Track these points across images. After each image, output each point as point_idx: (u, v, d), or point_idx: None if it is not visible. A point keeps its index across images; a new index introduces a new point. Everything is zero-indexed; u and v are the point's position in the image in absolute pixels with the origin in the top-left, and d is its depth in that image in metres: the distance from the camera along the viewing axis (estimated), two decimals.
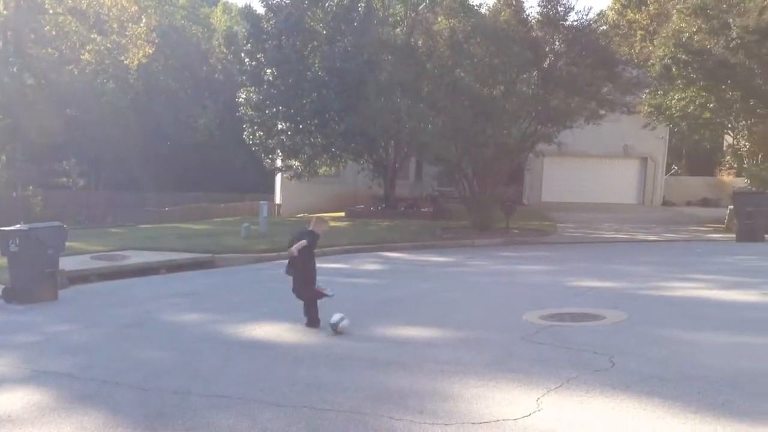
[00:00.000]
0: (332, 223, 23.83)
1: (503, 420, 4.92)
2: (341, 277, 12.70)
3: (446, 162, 21.31)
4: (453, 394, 5.60)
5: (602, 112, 20.89)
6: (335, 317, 7.98)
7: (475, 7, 31.64)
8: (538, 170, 31.48)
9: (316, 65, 25.38)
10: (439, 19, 21.92)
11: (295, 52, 25.40)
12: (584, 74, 19.76)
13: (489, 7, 27.09)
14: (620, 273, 12.68)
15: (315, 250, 8.61)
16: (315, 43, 26.04)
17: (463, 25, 21.00)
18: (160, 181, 40.98)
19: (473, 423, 4.91)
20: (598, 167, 31.56)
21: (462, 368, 6.31)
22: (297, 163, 26.55)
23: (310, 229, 8.55)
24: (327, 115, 24.99)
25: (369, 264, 15.69)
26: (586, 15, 20.67)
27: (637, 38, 39.23)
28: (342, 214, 26.82)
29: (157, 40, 35.78)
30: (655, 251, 16.85)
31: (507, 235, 19.94)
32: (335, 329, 7.93)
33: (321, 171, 27.70)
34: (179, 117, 44.44)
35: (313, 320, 8.38)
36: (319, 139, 25.34)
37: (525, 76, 21.08)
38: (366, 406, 5.40)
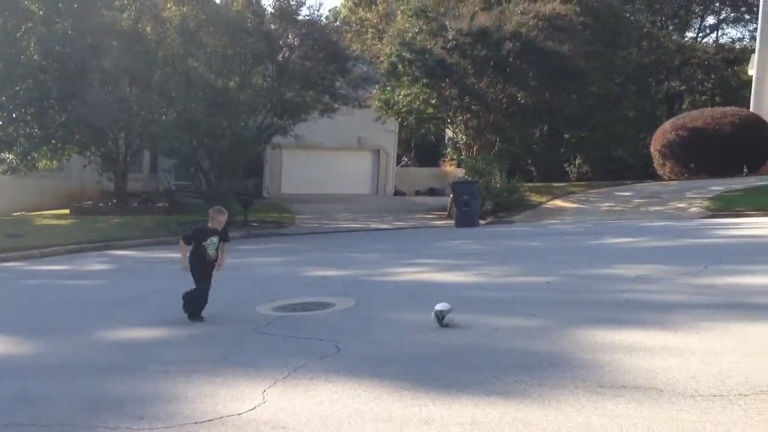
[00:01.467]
0: (53, 222, 21.91)
1: (227, 416, 4.80)
2: (62, 280, 11.68)
3: (181, 155, 20.61)
4: (177, 395, 5.36)
5: (336, 105, 21.59)
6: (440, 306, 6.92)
7: None
8: (277, 163, 31.68)
9: (32, 48, 23.00)
10: (169, 6, 21.06)
11: (6, 33, 22.81)
12: (317, 68, 20.25)
13: None
14: (353, 261, 13.18)
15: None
16: (30, 24, 23.59)
17: (196, 12, 20.41)
18: None
19: (196, 423, 4.73)
20: (335, 159, 32.60)
21: (189, 367, 6.08)
22: (11, 157, 23.90)
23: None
24: (45, 104, 22.77)
25: (95, 264, 14.60)
26: (317, 10, 21.20)
27: (369, 36, 41.19)
28: (66, 211, 24.72)
29: None
30: (386, 239, 17.80)
31: (245, 229, 19.79)
32: (441, 321, 6.86)
33: (41, 165, 25.19)
34: None
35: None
36: (37, 130, 23.03)
37: (260, 68, 21.06)
38: (79, 417, 4.97)
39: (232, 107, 19.18)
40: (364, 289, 9.64)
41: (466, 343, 6.32)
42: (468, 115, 24.33)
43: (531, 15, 21.69)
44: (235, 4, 20.38)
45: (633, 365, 5.31)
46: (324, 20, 20.99)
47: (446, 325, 6.85)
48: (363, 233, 19.63)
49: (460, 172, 27.69)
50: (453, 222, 20.11)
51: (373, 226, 21.12)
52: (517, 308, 7.84)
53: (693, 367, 5.16)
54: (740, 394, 4.52)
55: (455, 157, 27.15)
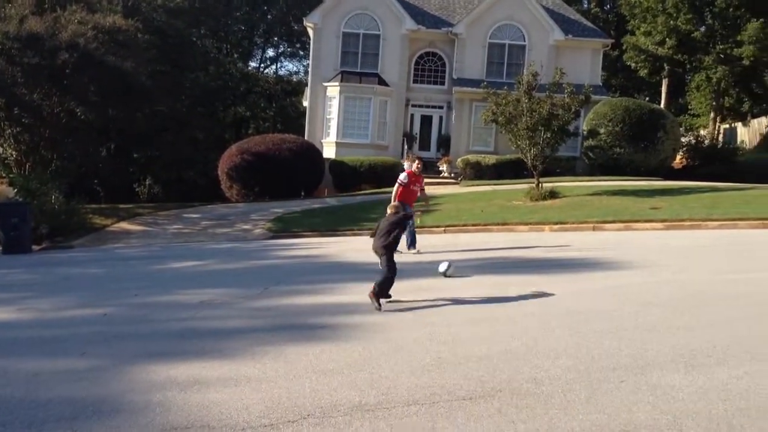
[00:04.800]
0: None
1: None
2: None
3: None
4: None
5: None
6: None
7: None
8: None
9: None
10: None
11: None
12: None
13: None
14: None
15: None
16: None
17: None
18: None
19: None
20: None
21: None
22: None
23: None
24: None
25: None
26: None
27: None
28: None
29: None
30: None
31: None
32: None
33: None
34: None
35: None
36: None
37: None
38: None
39: None
40: None
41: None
42: (18, 129, 21.77)
43: (90, 26, 20.34)
44: None
45: (187, 402, 4.99)
46: None
47: None
48: None
49: (12, 192, 24.64)
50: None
51: None
52: (67, 347, 6.96)
53: (246, 397, 5.05)
54: (289, 421, 4.52)
55: (5, 174, 24.08)
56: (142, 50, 22.13)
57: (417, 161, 14.10)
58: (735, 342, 6.10)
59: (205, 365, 5.95)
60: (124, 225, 22.65)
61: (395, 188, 13.57)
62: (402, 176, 13.80)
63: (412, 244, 13.68)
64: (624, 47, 39.64)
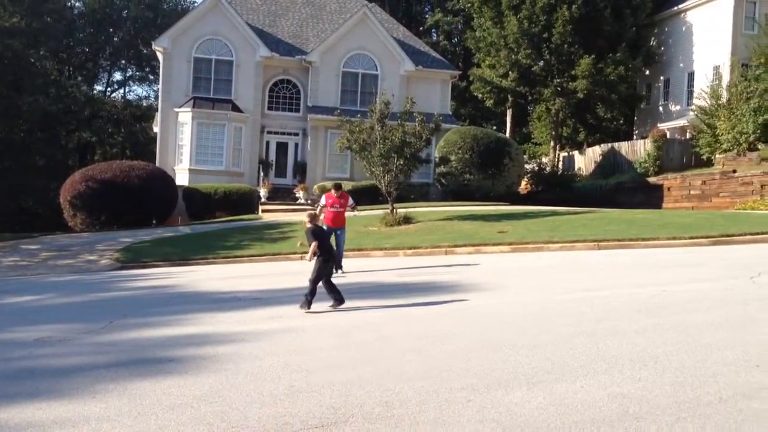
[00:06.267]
0: None
1: None
2: None
3: None
4: None
5: None
6: None
7: None
8: None
9: None
10: None
11: None
12: None
13: None
14: None
15: None
16: None
17: None
18: None
19: None
20: None
21: None
22: None
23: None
24: None
25: None
26: None
27: None
28: None
29: None
30: None
31: None
32: None
33: None
34: None
35: None
36: None
37: None
38: None
39: None
40: None
41: None
42: None
43: None
44: None
45: None
46: None
47: None
48: None
49: None
50: None
51: None
52: None
53: None
54: None
55: None
56: None
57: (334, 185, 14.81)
58: (572, 358, 6.48)
59: (40, 406, 5.56)
60: None
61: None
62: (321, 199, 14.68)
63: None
64: (471, 79, 41.51)
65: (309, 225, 9.99)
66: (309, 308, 9.46)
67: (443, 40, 54.92)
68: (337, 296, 9.62)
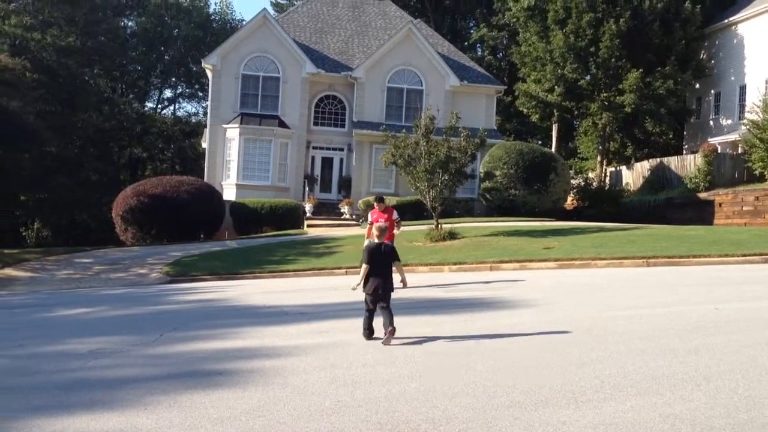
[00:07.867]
0: None
1: None
2: None
3: None
4: None
5: None
6: None
7: None
8: None
9: None
10: None
11: None
12: None
13: None
14: None
15: None
16: None
17: None
18: None
19: None
20: None
21: None
22: None
23: None
24: None
25: None
26: None
27: None
28: None
29: None
30: None
31: None
32: None
33: None
34: None
35: None
36: None
37: None
38: None
39: None
40: None
41: None
42: None
43: None
44: None
45: None
46: None
47: None
48: None
49: None
50: None
51: None
52: None
53: None
54: None
55: None
56: (30, 89, 21.18)
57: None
58: (622, 377, 6.38)
59: (93, 417, 5.69)
60: (9, 271, 21.51)
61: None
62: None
63: None
64: (516, 93, 41.34)
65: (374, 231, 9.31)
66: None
67: (488, 55, 54.84)
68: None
